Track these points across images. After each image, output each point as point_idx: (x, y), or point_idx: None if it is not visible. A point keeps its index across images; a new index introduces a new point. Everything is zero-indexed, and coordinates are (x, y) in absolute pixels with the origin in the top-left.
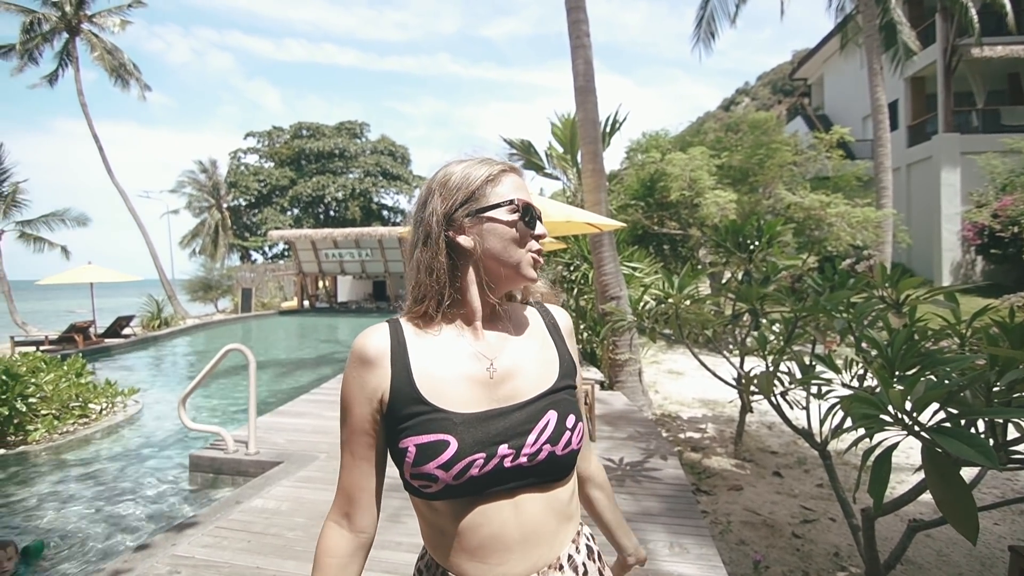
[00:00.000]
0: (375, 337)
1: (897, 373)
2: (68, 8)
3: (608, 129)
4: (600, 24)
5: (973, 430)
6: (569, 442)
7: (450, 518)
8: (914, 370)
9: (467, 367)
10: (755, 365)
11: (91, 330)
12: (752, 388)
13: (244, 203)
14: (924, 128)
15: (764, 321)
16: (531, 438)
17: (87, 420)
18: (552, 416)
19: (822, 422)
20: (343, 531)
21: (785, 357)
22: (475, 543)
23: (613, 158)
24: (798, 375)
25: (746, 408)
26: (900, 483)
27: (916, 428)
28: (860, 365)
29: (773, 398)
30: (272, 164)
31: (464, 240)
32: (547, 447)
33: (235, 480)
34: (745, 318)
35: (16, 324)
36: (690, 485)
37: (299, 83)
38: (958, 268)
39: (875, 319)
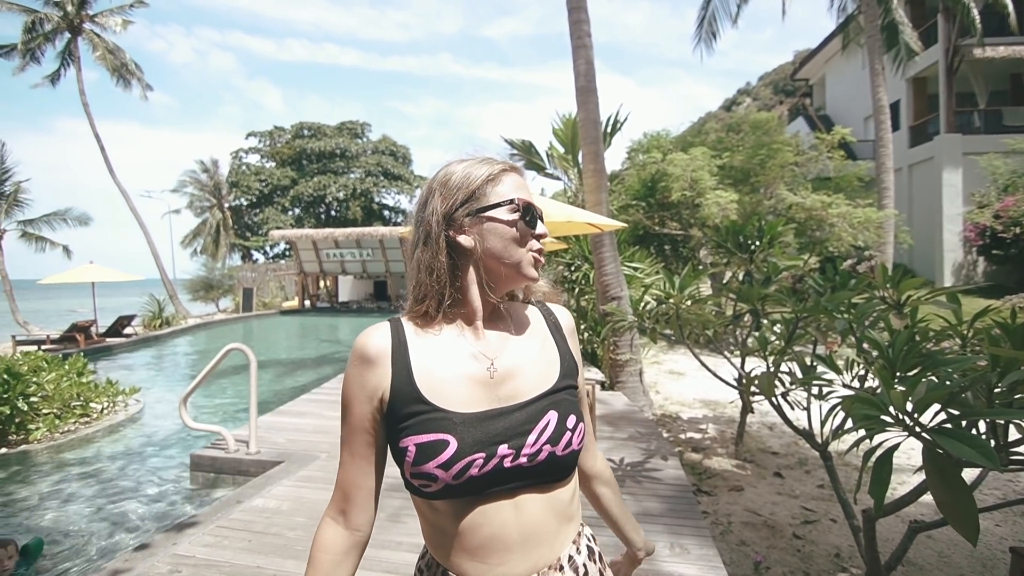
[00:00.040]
0: (376, 336)
1: (898, 374)
2: (70, 8)
3: (609, 129)
4: (601, 24)
5: (974, 431)
6: (570, 443)
7: (450, 518)
8: (915, 371)
9: (467, 367)
10: (756, 366)
11: (92, 329)
12: (753, 389)
13: (245, 203)
14: (926, 129)
15: (765, 322)
16: (531, 438)
17: (88, 419)
18: (553, 416)
19: (823, 423)
20: (339, 528)
21: (786, 358)
22: (475, 543)
23: (614, 158)
24: (799, 376)
25: (747, 409)
26: (901, 484)
27: (917, 429)
28: (861, 366)
29: (774, 399)
30: (273, 164)
31: (465, 240)
32: (547, 447)
33: (236, 479)
34: (746, 318)
35: (18, 323)
36: (691, 485)
37: (301, 83)
38: (960, 269)
39: (876, 320)
